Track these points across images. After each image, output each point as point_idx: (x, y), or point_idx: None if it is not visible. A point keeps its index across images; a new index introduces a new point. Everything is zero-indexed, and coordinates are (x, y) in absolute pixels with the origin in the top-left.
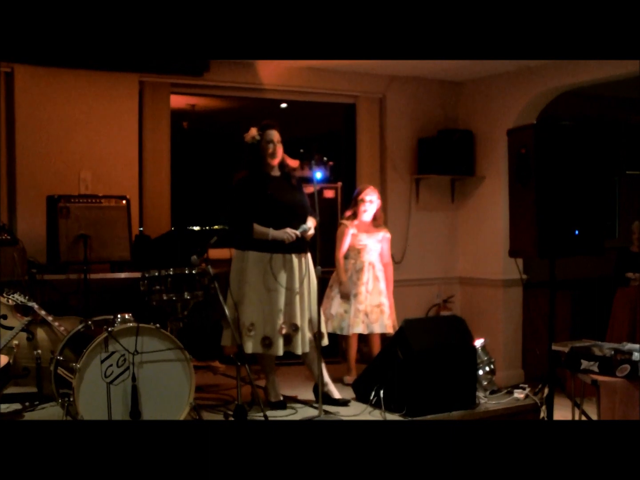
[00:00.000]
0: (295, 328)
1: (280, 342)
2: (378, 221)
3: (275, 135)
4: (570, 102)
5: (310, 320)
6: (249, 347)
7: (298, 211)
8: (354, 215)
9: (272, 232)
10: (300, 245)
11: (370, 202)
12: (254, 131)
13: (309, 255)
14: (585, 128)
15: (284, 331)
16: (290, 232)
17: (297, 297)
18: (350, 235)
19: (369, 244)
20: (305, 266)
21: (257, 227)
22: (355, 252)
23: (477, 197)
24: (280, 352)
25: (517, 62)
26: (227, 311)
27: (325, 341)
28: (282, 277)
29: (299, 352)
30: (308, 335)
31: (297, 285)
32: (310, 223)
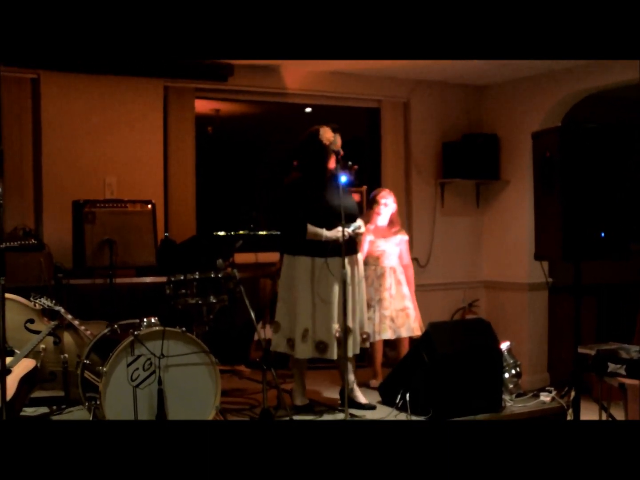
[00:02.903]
0: (348, 330)
1: (335, 346)
2: (395, 225)
3: (340, 140)
4: (595, 106)
5: (360, 322)
6: (303, 352)
7: (350, 214)
8: (369, 220)
9: (326, 233)
10: (350, 247)
11: (385, 205)
12: (330, 133)
13: (359, 255)
14: (610, 130)
15: (338, 334)
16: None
17: (350, 300)
18: (368, 242)
19: (387, 249)
20: (357, 268)
21: (311, 228)
22: (374, 258)
23: (502, 201)
24: (335, 356)
25: (541, 65)
26: (252, 314)
27: (367, 344)
28: (335, 280)
29: (351, 354)
30: (358, 337)
31: (349, 286)
32: (360, 222)
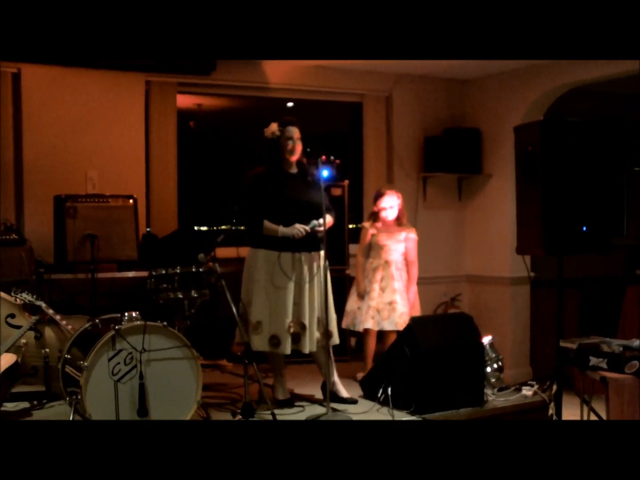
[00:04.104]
0: (302, 327)
1: (288, 341)
2: (401, 220)
3: (295, 132)
4: (577, 100)
5: (319, 319)
6: (257, 344)
7: (312, 209)
8: (375, 218)
9: (282, 229)
10: (311, 243)
11: (391, 208)
12: (274, 126)
13: (321, 253)
14: (592, 125)
15: (292, 330)
16: (299, 228)
17: (307, 296)
18: (370, 234)
19: (388, 244)
20: (317, 264)
21: (267, 224)
22: (376, 250)
23: (484, 195)
24: (288, 351)
25: (524, 60)
26: (234, 309)
27: (335, 340)
28: (291, 275)
29: (306, 351)
30: (316, 334)
31: (306, 283)
32: (323, 220)
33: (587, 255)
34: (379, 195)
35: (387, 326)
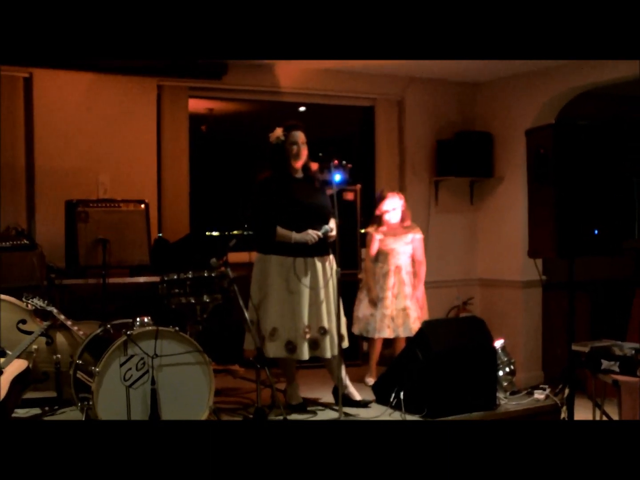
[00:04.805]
0: (323, 331)
1: (305, 346)
2: (406, 222)
3: (300, 136)
4: (589, 103)
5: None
6: (272, 351)
7: (320, 214)
8: (379, 222)
9: (295, 235)
10: (323, 248)
11: (394, 210)
12: (279, 131)
13: (332, 257)
14: (604, 128)
15: (308, 335)
16: (312, 234)
17: (324, 300)
18: (378, 240)
19: (396, 247)
20: (330, 268)
21: (280, 230)
22: (384, 255)
23: (496, 199)
24: (306, 357)
25: (534, 62)
26: (247, 314)
27: (345, 343)
28: (306, 280)
29: (328, 355)
30: (336, 338)
31: (321, 287)
32: (333, 224)
33: (596, 258)
34: (380, 198)
35: (403, 333)
